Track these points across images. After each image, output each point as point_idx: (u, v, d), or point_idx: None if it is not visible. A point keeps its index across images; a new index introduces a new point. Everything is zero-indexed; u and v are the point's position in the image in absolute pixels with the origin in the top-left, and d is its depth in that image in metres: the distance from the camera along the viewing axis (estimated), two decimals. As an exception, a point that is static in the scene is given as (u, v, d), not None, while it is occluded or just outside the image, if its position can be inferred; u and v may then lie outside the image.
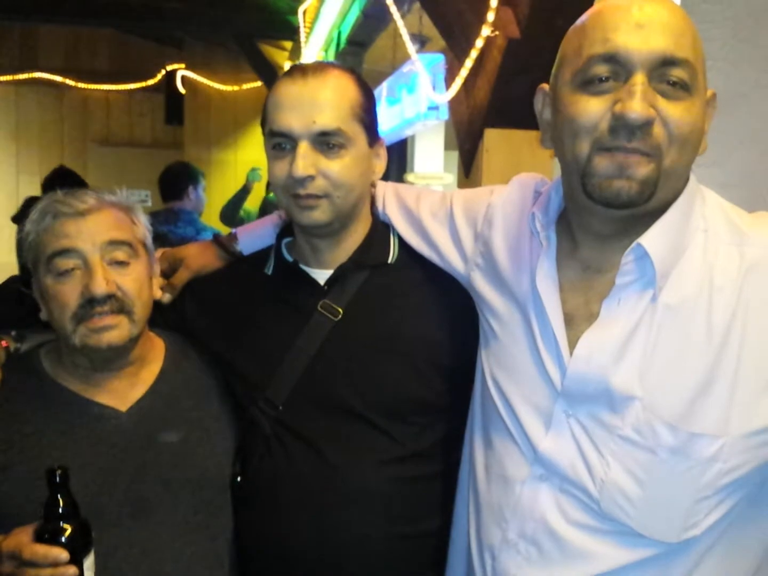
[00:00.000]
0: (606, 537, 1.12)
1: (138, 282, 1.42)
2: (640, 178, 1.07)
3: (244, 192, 5.83)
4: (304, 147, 1.38)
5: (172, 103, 9.07)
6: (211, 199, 5.57)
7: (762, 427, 1.05)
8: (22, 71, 9.25)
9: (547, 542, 1.17)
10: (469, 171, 2.62)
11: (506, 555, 1.21)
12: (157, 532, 1.40)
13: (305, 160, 1.37)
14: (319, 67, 1.45)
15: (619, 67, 1.08)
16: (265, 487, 1.47)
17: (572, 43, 1.16)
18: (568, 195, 1.22)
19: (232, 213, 5.63)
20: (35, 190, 9.60)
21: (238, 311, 1.57)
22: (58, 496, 1.16)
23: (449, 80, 2.75)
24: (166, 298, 1.61)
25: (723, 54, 1.91)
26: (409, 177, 6.85)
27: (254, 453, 1.49)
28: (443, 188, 6.94)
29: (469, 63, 2.33)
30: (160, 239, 4.63)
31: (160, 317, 1.58)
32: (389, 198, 1.60)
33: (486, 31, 2.25)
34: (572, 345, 1.16)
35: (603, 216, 1.14)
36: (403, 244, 1.56)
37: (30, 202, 5.61)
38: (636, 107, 1.04)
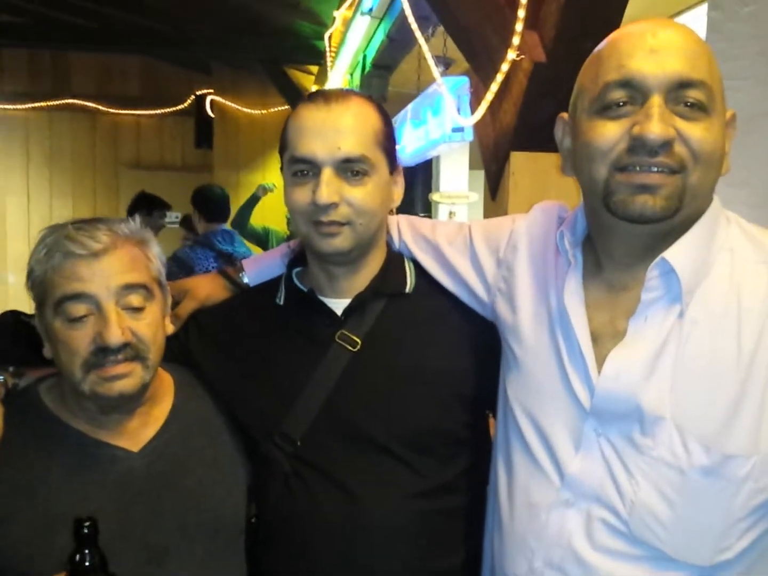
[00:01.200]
0: (635, 563, 1.10)
1: (153, 326, 1.34)
2: (665, 193, 1.08)
3: (253, 200, 5.86)
4: (328, 173, 1.36)
5: (202, 127, 9.20)
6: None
7: None
8: (55, 98, 9.46)
9: (575, 570, 1.15)
10: (495, 193, 2.63)
11: None
12: None
13: (329, 187, 1.35)
14: (341, 94, 1.43)
15: (636, 92, 1.09)
16: (285, 526, 1.42)
17: (589, 73, 1.18)
18: (591, 219, 1.24)
19: (240, 220, 5.66)
20: (68, 214, 9.80)
21: (247, 343, 1.52)
22: (86, 549, 1.08)
23: (474, 103, 2.76)
24: (170, 329, 1.52)
25: (750, 73, 1.90)
26: (435, 196, 6.86)
27: (270, 491, 1.44)
28: (468, 207, 6.95)
29: (494, 87, 2.34)
30: (224, 257, 4.71)
31: (173, 349, 1.52)
32: (404, 227, 1.59)
33: (511, 54, 2.26)
34: (599, 363, 1.16)
35: (627, 234, 1.14)
36: (419, 274, 1.53)
37: (141, 198, 5.72)
38: (654, 128, 1.05)
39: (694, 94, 1.07)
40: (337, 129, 1.38)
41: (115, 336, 1.26)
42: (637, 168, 1.08)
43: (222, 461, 1.46)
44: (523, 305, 1.35)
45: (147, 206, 5.53)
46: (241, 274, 1.65)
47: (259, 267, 1.65)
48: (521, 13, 2.26)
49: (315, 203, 1.36)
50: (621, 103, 1.10)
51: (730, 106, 1.61)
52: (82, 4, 7.89)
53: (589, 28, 2.09)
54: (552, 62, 2.24)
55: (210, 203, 4.85)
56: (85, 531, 1.08)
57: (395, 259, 1.55)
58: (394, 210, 1.56)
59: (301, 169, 1.39)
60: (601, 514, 1.13)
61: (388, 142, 1.45)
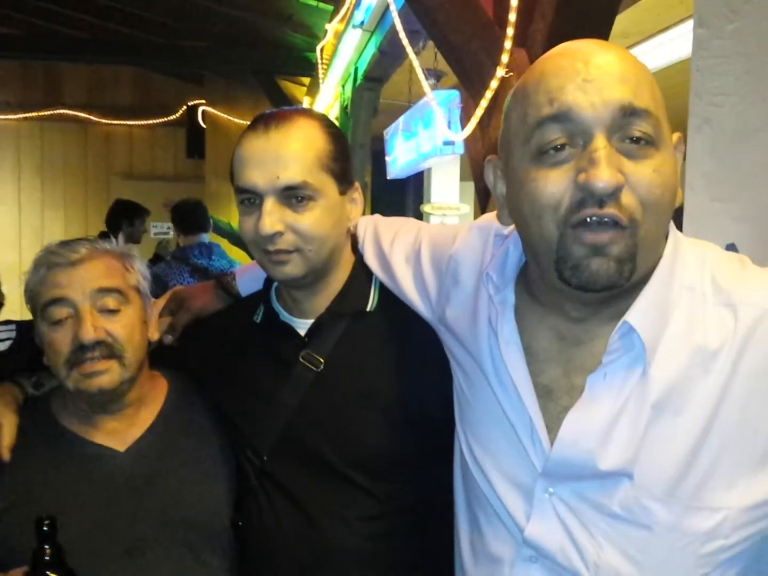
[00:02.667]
0: None
1: (128, 327, 1.44)
2: (616, 254, 0.96)
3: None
4: (270, 203, 1.34)
5: (193, 138, 9.22)
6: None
7: (763, 500, 0.97)
8: (47, 108, 9.48)
9: None
10: (485, 208, 2.65)
11: None
12: (152, 572, 1.40)
13: (271, 217, 1.34)
14: (283, 118, 1.39)
15: (574, 129, 0.96)
16: (255, 536, 1.46)
17: (515, 112, 1.04)
18: (536, 271, 1.10)
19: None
20: (60, 225, 9.81)
21: (228, 359, 1.56)
22: (45, 545, 1.18)
23: (464, 117, 2.79)
24: (168, 339, 1.61)
25: (735, 89, 1.92)
26: (426, 208, 6.90)
27: (244, 501, 1.49)
28: (459, 218, 6.98)
29: (484, 103, 2.37)
30: (199, 272, 4.69)
31: (165, 358, 1.59)
32: (368, 240, 1.53)
33: (500, 72, 2.29)
34: (552, 420, 1.06)
35: (580, 299, 1.04)
36: (384, 289, 1.50)
37: (119, 205, 5.69)
38: (602, 175, 0.92)
39: (639, 127, 0.95)
40: (276, 157, 1.35)
41: (88, 334, 1.38)
42: (588, 220, 0.96)
43: (206, 463, 1.52)
44: (463, 343, 1.25)
45: (128, 217, 5.55)
46: (234, 283, 1.67)
47: (248, 277, 1.66)
48: (510, 30, 2.28)
49: (259, 233, 1.36)
50: (559, 146, 0.97)
51: (716, 122, 1.60)
52: (74, 15, 7.91)
53: (577, 46, 2.11)
54: (540, 79, 2.26)
55: (186, 217, 4.84)
56: (45, 528, 1.18)
57: (360, 275, 1.51)
58: (352, 228, 1.51)
59: (247, 198, 1.39)
60: (565, 574, 1.05)
61: (335, 162, 1.40)
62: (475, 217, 2.94)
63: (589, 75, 0.95)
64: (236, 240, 5.84)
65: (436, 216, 6.83)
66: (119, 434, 1.48)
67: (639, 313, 1.00)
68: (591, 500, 1.03)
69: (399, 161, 5.83)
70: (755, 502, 0.97)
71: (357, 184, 1.48)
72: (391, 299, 1.48)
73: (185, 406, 1.58)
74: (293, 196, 1.35)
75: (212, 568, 1.47)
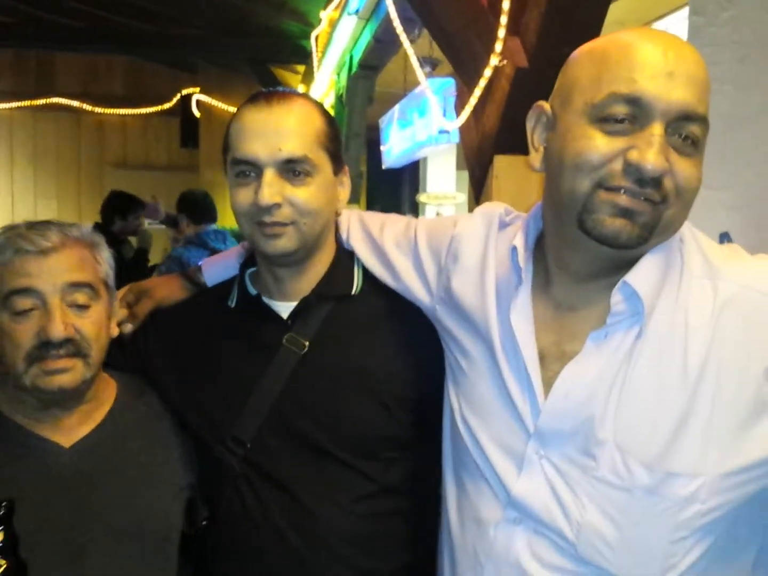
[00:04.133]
0: None
1: (97, 325, 1.38)
2: (643, 221, 1.05)
3: None
4: (270, 175, 1.35)
5: (188, 127, 9.18)
6: (226, 221, 5.64)
7: (739, 468, 1.02)
8: (40, 97, 9.42)
9: None
10: (479, 197, 2.65)
11: None
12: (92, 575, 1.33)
13: (271, 188, 1.35)
14: (283, 95, 1.42)
15: (641, 112, 1.04)
16: (235, 530, 1.43)
17: (587, 70, 1.09)
18: (553, 228, 1.19)
19: None
20: (52, 215, 9.72)
21: (199, 346, 1.52)
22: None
23: (459, 106, 2.79)
24: (128, 328, 1.56)
25: (729, 77, 1.92)
26: (422, 197, 6.89)
27: (222, 495, 1.44)
28: (455, 208, 6.97)
29: (478, 92, 2.36)
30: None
31: (119, 352, 1.53)
32: (354, 227, 1.56)
33: (494, 60, 2.28)
34: (544, 384, 1.13)
35: (590, 253, 1.11)
36: (368, 274, 1.52)
37: (114, 201, 5.64)
38: (654, 159, 1.01)
39: (693, 130, 1.04)
40: (279, 130, 1.37)
41: (57, 330, 1.30)
42: (623, 192, 1.05)
43: (157, 466, 1.46)
44: (464, 317, 1.31)
45: (122, 211, 5.52)
46: (199, 274, 1.65)
47: (216, 267, 1.65)
48: (504, 19, 2.28)
49: (257, 204, 1.36)
50: (620, 119, 1.04)
51: (710, 111, 1.62)
52: (67, 4, 7.85)
53: (571, 34, 2.11)
54: (534, 68, 2.26)
55: (196, 207, 4.93)
56: (1, 511, 1.13)
57: (343, 259, 1.53)
58: (341, 210, 1.54)
59: (244, 170, 1.39)
60: (548, 534, 1.11)
61: (331, 143, 1.44)
62: (470, 206, 2.94)
63: (671, 69, 1.03)
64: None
65: (432, 205, 6.83)
66: (67, 430, 1.40)
67: (639, 276, 1.08)
68: (578, 463, 1.09)
69: (394, 150, 5.83)
70: (732, 470, 1.02)
71: (346, 168, 1.51)
72: (374, 284, 1.50)
73: (137, 406, 1.51)
74: (292, 169, 1.37)
75: (163, 574, 1.42)
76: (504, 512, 1.16)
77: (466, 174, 3.90)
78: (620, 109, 1.04)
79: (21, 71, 9.66)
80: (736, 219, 1.64)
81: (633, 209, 1.04)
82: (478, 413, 1.23)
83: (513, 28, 2.32)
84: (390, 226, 1.53)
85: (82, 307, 1.36)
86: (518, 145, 2.51)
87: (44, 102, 9.43)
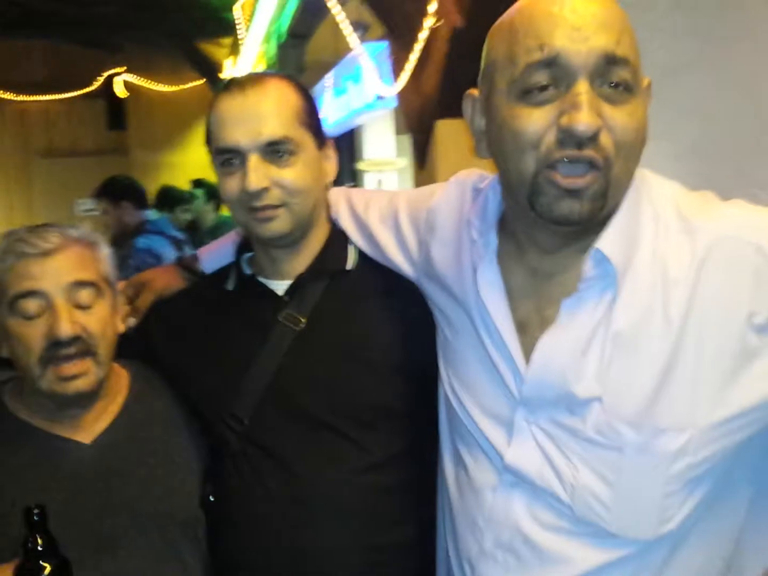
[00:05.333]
0: (582, 539, 1.11)
1: (103, 322, 1.41)
2: (590, 194, 1.03)
3: None
4: (254, 160, 1.38)
5: (114, 109, 8.96)
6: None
7: (727, 417, 1.02)
8: (-42, 88, 9.03)
9: (523, 549, 1.15)
10: (423, 161, 2.63)
11: (484, 565, 1.19)
12: (125, 565, 1.37)
13: (257, 173, 1.37)
14: (256, 78, 1.44)
15: (560, 73, 1.02)
16: (235, 506, 1.45)
17: (501, 47, 1.09)
18: (513, 208, 1.18)
19: None
20: (-20, 209, 9.41)
21: (201, 329, 1.56)
22: (36, 534, 1.16)
23: (396, 69, 2.75)
24: (131, 322, 1.58)
25: (665, 24, 1.92)
26: (361, 165, 6.82)
27: (222, 472, 1.47)
28: (398, 173, 6.94)
29: (413, 57, 2.33)
30: (176, 243, 4.60)
31: (125, 343, 1.54)
32: (342, 206, 1.58)
33: (429, 21, 2.25)
34: (527, 352, 1.13)
35: (551, 230, 1.11)
36: (361, 252, 1.55)
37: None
38: (584, 118, 0.99)
39: (620, 74, 1.02)
40: (257, 114, 1.39)
41: (65, 329, 1.33)
42: (566, 160, 1.02)
43: (176, 452, 1.49)
44: (445, 288, 1.32)
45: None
46: (197, 263, 1.67)
47: (212, 255, 1.68)
48: (436, -23, 2.24)
49: (246, 191, 1.38)
50: (543, 87, 1.03)
51: (645, 58, 1.62)
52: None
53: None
54: (471, 26, 2.23)
55: (139, 192, 4.71)
56: (35, 518, 1.16)
57: (337, 236, 1.55)
58: (329, 185, 1.54)
59: (228, 159, 1.41)
60: (544, 496, 1.12)
61: (310, 118, 1.44)
62: (414, 174, 2.91)
63: (577, 23, 1.02)
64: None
65: (372, 173, 6.77)
66: (85, 427, 1.43)
67: (608, 241, 1.07)
68: (566, 426, 1.10)
69: (330, 119, 5.75)
70: (720, 420, 1.03)
71: (331, 141, 1.53)
72: (368, 260, 1.53)
73: (150, 394, 1.54)
74: (275, 151, 1.38)
75: (187, 557, 1.45)
76: (500, 477, 1.17)
77: (405, 138, 3.86)
78: (540, 78, 1.02)
79: (-68, 62, 9.22)
80: (676, 168, 1.65)
81: (575, 188, 1.02)
82: (465, 383, 1.24)
83: (446, -13, 2.28)
84: (374, 203, 1.54)
85: (88, 306, 1.39)
86: (460, 108, 2.51)
87: (-39, 93, 9.05)
